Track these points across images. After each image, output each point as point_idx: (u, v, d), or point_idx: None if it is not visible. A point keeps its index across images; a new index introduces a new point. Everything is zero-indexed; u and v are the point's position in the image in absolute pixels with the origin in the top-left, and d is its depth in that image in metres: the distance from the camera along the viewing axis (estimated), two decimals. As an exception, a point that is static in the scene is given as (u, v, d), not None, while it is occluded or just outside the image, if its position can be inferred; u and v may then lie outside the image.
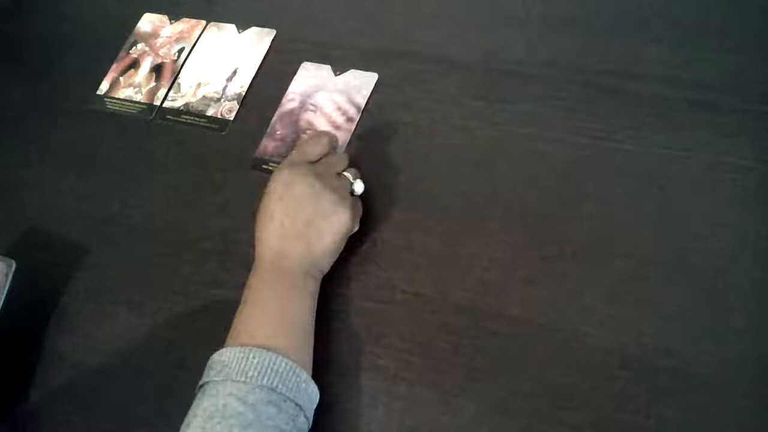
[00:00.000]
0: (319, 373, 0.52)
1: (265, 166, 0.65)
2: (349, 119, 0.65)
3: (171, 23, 0.78)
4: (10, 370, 0.58)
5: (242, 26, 0.74)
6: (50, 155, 0.71)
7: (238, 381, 0.44)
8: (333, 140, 0.59)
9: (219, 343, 0.49)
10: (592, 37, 0.64)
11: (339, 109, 0.66)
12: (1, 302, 0.55)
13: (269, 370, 0.45)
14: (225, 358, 0.46)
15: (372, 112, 0.65)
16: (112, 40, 0.78)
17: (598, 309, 0.51)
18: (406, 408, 0.51)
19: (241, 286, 0.52)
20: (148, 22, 0.79)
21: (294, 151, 0.56)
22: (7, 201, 0.69)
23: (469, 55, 0.66)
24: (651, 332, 0.50)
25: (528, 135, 0.60)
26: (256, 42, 0.73)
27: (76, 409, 0.56)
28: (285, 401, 0.44)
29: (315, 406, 0.48)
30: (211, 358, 0.47)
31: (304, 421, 0.46)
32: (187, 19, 0.77)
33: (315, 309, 0.52)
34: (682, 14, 0.64)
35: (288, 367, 0.45)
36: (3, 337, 0.57)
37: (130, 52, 0.77)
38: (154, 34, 0.77)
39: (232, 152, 0.66)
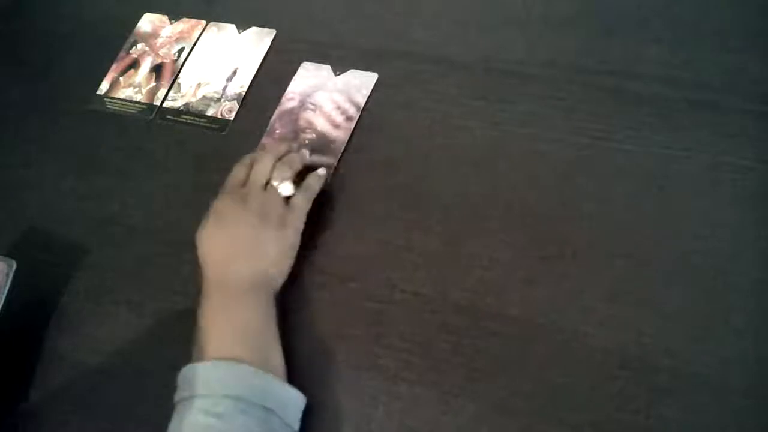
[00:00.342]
0: (318, 374, 0.52)
1: None
2: (349, 118, 0.65)
3: (171, 23, 0.78)
4: (10, 370, 0.58)
5: (242, 26, 0.74)
6: (50, 155, 0.71)
7: (206, 396, 0.45)
8: (258, 156, 0.59)
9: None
10: (592, 37, 0.64)
11: (338, 108, 0.65)
12: (2, 302, 0.55)
13: (233, 379, 0.45)
14: (190, 374, 0.47)
15: (372, 111, 0.65)
16: (112, 40, 0.78)
17: (598, 309, 0.51)
18: (406, 408, 0.51)
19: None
20: (148, 22, 0.79)
21: (226, 181, 0.58)
22: (7, 201, 0.69)
23: (469, 55, 0.66)
24: (651, 332, 0.50)
25: (528, 135, 0.60)
26: (256, 42, 0.73)
27: (76, 409, 0.56)
28: (252, 406, 0.45)
29: (294, 406, 0.48)
30: (178, 376, 0.48)
31: (279, 422, 0.46)
32: (187, 19, 0.77)
33: (274, 318, 0.52)
34: (682, 14, 0.64)
35: (251, 373, 0.46)
36: (3, 337, 0.57)
37: (130, 52, 0.77)
38: (154, 34, 0.77)
39: (232, 152, 0.66)
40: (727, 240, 0.52)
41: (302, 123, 0.66)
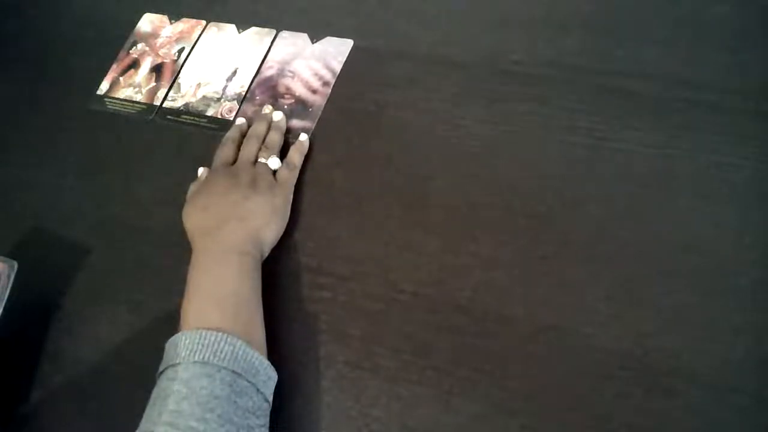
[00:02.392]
0: (318, 373, 0.52)
1: None
2: (326, 84, 0.68)
3: (171, 23, 0.78)
4: (10, 370, 0.58)
5: (242, 26, 0.74)
6: (50, 155, 0.71)
7: (174, 364, 0.46)
8: (240, 135, 0.64)
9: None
10: (592, 37, 0.64)
11: (315, 74, 0.68)
12: (4, 303, 0.55)
13: (199, 346, 0.46)
14: (167, 347, 0.48)
15: (372, 111, 0.65)
16: (112, 40, 0.78)
17: (598, 309, 0.51)
18: (406, 408, 0.51)
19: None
20: (148, 22, 0.79)
21: (214, 161, 0.62)
22: (7, 201, 0.69)
23: (469, 55, 0.66)
24: (651, 332, 0.50)
25: (528, 135, 0.60)
26: (256, 42, 0.73)
27: (76, 409, 0.56)
28: (219, 371, 0.45)
29: (265, 374, 0.48)
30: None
31: (247, 385, 0.46)
32: (187, 19, 0.77)
33: (258, 287, 0.53)
34: (682, 14, 0.64)
35: (218, 338, 0.46)
36: (4, 337, 0.57)
37: (130, 52, 0.77)
38: (154, 34, 0.77)
39: (232, 152, 0.66)
40: (727, 240, 0.52)
41: (281, 89, 0.68)
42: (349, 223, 0.59)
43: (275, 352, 0.52)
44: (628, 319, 0.50)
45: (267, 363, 0.48)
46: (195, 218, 0.56)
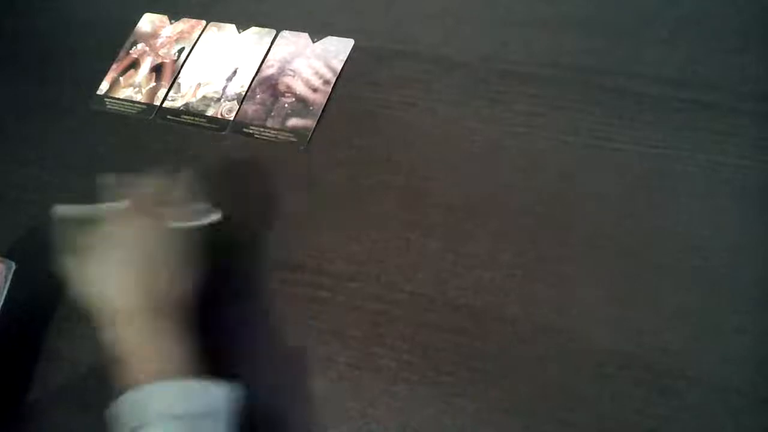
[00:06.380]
0: (318, 373, 0.52)
1: (245, 129, 0.67)
2: (326, 82, 0.68)
3: (171, 23, 0.78)
4: (10, 371, 0.58)
5: (242, 26, 0.74)
6: (50, 155, 0.71)
7: (135, 426, 0.45)
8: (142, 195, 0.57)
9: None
10: (592, 37, 0.64)
11: (316, 73, 0.68)
12: (2, 303, 0.55)
13: (133, 410, 0.45)
14: (119, 409, 0.47)
15: (372, 111, 0.65)
16: (112, 40, 0.78)
17: (598, 309, 0.51)
18: (406, 408, 0.51)
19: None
20: (148, 22, 0.79)
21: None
22: (7, 201, 0.69)
23: (469, 55, 0.66)
24: (651, 332, 0.50)
25: (528, 135, 0.60)
26: (256, 42, 0.73)
27: (76, 409, 0.56)
28: (172, 419, 0.44)
29: (218, 398, 0.46)
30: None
31: (208, 424, 0.45)
32: (187, 19, 0.77)
33: (177, 329, 0.50)
34: (682, 14, 0.64)
35: (168, 387, 0.45)
36: (3, 338, 0.57)
37: (130, 52, 0.77)
38: (154, 34, 0.77)
39: (232, 152, 0.66)
40: (727, 240, 0.52)
41: (281, 88, 0.69)
42: (350, 223, 0.59)
43: (275, 353, 0.52)
44: (628, 319, 0.50)
45: (218, 390, 0.46)
46: (103, 282, 0.53)
